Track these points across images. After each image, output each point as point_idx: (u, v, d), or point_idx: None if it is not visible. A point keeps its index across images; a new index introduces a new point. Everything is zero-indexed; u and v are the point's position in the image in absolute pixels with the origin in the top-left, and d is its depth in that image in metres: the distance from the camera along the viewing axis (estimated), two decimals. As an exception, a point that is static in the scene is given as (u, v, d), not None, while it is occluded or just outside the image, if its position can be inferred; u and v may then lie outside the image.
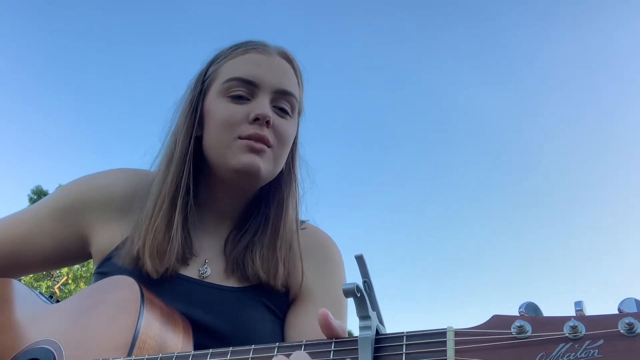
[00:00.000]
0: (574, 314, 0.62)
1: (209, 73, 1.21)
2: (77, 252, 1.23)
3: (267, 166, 1.13)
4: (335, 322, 0.74)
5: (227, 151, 1.12)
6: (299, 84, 1.22)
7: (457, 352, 0.64)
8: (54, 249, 1.21)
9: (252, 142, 1.10)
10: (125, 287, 1.01)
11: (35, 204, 1.29)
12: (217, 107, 1.14)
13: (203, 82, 1.20)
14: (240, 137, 1.11)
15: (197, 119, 1.17)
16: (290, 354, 0.73)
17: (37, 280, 18.61)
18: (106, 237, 1.18)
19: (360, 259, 0.75)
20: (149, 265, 1.07)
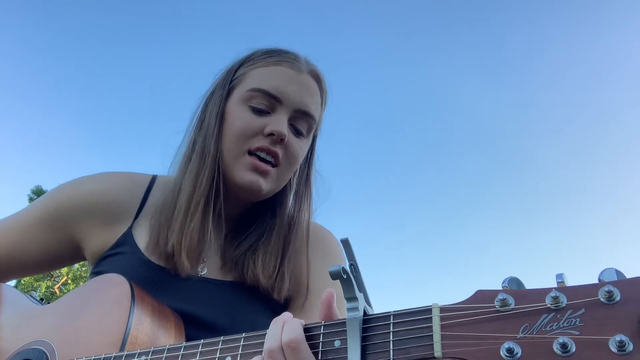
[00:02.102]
0: (556, 286, 0.63)
1: (237, 74, 1.20)
2: (70, 255, 1.23)
3: (269, 186, 1.14)
4: (335, 307, 0.76)
5: (234, 162, 1.12)
6: (322, 104, 1.22)
7: (442, 327, 0.65)
8: (45, 254, 1.21)
9: (257, 163, 1.11)
10: (116, 285, 1.01)
11: (24, 208, 1.28)
12: (236, 115, 1.14)
13: (231, 81, 1.20)
14: (250, 152, 1.12)
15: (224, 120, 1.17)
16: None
17: (36, 280, 18.61)
18: (98, 240, 1.18)
19: (346, 243, 0.76)
20: (184, 263, 1.08)
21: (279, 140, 1.11)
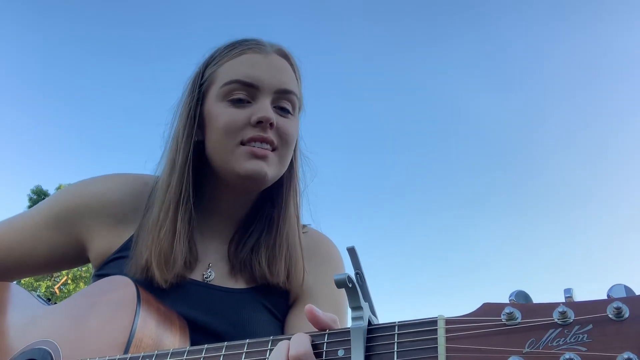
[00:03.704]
0: (564, 301, 0.63)
1: (205, 76, 1.19)
2: (74, 257, 1.23)
3: (272, 171, 1.12)
4: (323, 314, 0.75)
5: (230, 157, 1.10)
6: (297, 80, 1.21)
7: (447, 339, 0.64)
8: (50, 254, 1.21)
9: (255, 149, 1.09)
10: (122, 287, 1.02)
11: (31, 209, 1.28)
12: (218, 112, 1.12)
13: (200, 85, 1.18)
14: (242, 143, 1.10)
15: (197, 123, 1.16)
16: (290, 337, 0.74)
17: (37, 280, 18.61)
18: (104, 242, 1.18)
19: (352, 251, 0.76)
20: (157, 274, 1.07)
21: (269, 125, 1.10)
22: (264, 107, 1.10)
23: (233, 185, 1.14)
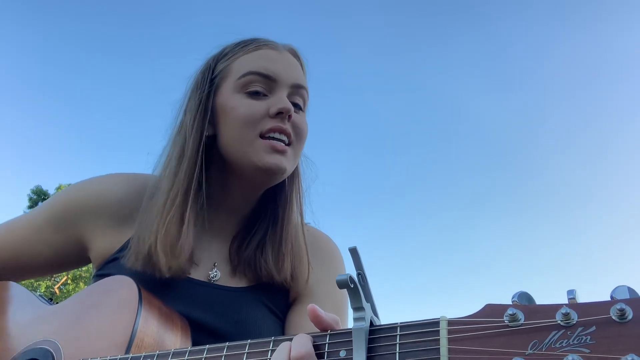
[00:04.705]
0: (567, 302, 0.62)
1: (217, 70, 1.19)
2: (76, 257, 1.23)
3: (290, 165, 1.14)
4: (325, 314, 0.75)
5: (249, 149, 1.10)
6: (306, 79, 1.23)
7: (450, 341, 0.64)
8: (52, 255, 1.21)
9: (275, 144, 1.10)
10: (124, 287, 1.01)
11: (32, 211, 1.29)
12: (235, 104, 1.13)
13: (212, 79, 1.18)
14: (262, 135, 1.10)
15: (209, 117, 1.15)
16: (292, 338, 0.74)
17: (36, 280, 18.61)
18: (105, 242, 1.17)
19: (354, 252, 0.75)
20: (162, 260, 1.05)
21: (287, 117, 1.11)
22: (282, 99, 1.12)
23: (249, 178, 1.14)
